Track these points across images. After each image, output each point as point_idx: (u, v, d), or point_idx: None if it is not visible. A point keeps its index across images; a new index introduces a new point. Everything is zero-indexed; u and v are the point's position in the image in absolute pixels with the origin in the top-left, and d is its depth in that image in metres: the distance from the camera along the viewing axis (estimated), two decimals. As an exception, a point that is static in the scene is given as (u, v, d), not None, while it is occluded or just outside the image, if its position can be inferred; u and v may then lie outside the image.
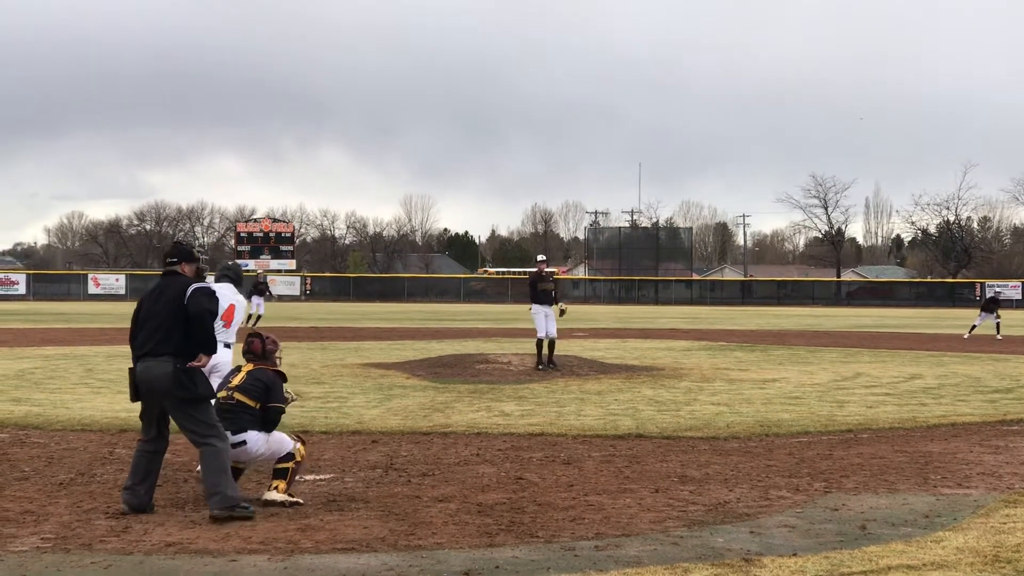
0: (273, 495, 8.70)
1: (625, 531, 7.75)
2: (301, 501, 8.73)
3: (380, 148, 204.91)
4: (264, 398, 8.86)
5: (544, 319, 21.78)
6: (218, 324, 10.15)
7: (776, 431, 13.06)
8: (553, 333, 21.69)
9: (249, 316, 40.75)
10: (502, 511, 8.41)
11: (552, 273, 22.94)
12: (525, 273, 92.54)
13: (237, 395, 8.84)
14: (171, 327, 8.38)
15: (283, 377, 9.19)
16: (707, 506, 8.65)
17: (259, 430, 8.78)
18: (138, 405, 8.65)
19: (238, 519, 8.03)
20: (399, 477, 9.87)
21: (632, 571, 6.62)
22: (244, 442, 8.70)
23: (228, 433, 8.51)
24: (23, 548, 7.18)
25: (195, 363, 8.41)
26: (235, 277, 11.06)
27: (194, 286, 8.55)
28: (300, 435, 9.56)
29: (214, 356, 9.37)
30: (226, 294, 10.56)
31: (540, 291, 22.10)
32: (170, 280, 8.70)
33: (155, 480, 8.58)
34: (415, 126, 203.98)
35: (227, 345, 10.52)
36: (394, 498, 8.89)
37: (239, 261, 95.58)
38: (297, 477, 9.09)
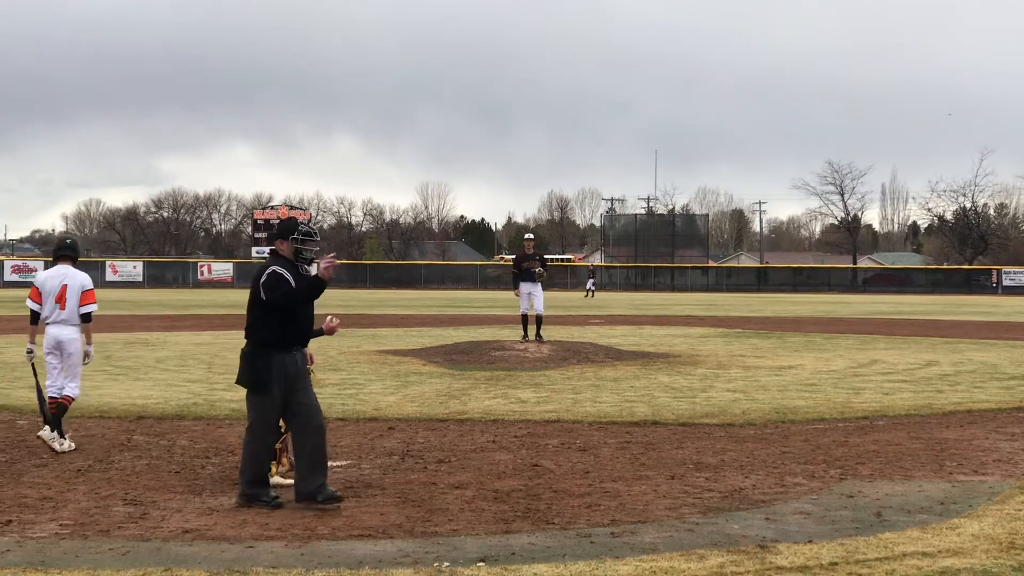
0: (278, 480, 8.76)
1: (641, 518, 7.77)
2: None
3: (393, 135, 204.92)
4: None
5: (527, 296, 21.74)
6: (53, 305, 10.27)
7: (792, 418, 13.05)
8: (540, 309, 21.74)
9: None
10: (518, 498, 8.43)
11: (541, 255, 22.53)
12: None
13: None
14: (249, 309, 8.39)
15: None
16: (723, 493, 8.67)
17: None
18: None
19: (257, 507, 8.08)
20: (415, 464, 9.90)
21: (648, 558, 6.63)
22: None
23: None
24: (42, 534, 7.24)
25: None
26: (75, 255, 11.09)
27: (269, 269, 8.35)
28: None
29: (57, 334, 10.87)
30: (54, 275, 10.79)
31: (525, 271, 21.66)
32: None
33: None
34: (428, 114, 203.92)
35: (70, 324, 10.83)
36: (410, 485, 8.92)
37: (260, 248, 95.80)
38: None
